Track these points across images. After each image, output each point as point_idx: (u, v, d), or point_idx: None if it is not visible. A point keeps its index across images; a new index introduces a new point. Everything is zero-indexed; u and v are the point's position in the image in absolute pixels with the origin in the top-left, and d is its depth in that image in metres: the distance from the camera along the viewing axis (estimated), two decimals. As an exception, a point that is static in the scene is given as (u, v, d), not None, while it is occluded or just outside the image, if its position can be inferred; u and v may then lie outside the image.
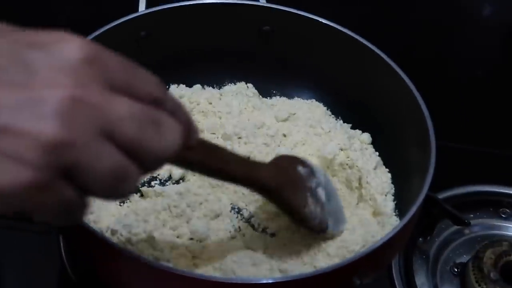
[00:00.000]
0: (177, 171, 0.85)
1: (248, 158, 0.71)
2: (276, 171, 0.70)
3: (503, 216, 0.96)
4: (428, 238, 0.91)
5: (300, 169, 0.73)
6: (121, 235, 0.75)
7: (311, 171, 0.74)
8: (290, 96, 0.96)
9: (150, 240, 0.75)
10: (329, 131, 0.89)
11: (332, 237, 0.77)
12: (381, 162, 0.87)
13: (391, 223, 0.80)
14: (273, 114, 0.92)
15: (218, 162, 0.62)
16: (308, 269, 0.75)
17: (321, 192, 0.74)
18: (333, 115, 0.94)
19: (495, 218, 0.96)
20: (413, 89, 0.82)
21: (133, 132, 0.45)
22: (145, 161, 0.46)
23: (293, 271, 0.74)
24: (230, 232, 0.80)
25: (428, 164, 0.74)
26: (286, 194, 0.71)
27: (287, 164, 0.73)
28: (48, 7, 1.14)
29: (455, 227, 0.92)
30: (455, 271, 0.89)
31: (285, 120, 0.92)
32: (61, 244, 0.83)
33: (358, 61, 0.90)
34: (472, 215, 0.94)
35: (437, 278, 0.88)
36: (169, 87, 0.93)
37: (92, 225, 0.74)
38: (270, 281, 0.64)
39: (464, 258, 0.90)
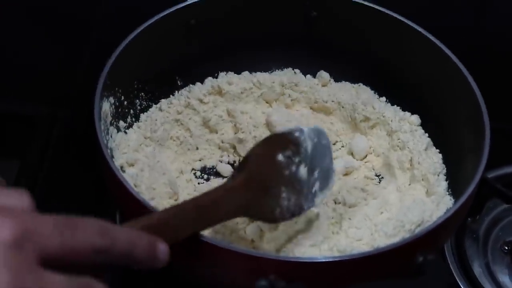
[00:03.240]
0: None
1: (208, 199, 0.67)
2: (247, 188, 0.68)
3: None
4: (477, 217, 0.92)
5: (280, 157, 0.71)
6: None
7: (296, 148, 0.72)
8: (337, 80, 0.97)
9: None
10: (380, 113, 0.90)
11: (320, 202, 0.76)
12: (431, 143, 0.88)
13: (445, 202, 0.81)
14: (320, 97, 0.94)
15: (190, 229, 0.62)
16: (367, 249, 0.77)
17: (302, 171, 0.72)
18: (380, 98, 0.95)
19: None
20: (463, 70, 0.83)
21: None
22: None
23: (351, 251, 0.75)
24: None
25: (482, 145, 0.75)
26: (252, 212, 0.70)
27: (265, 159, 0.71)
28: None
29: (503, 206, 0.93)
30: (505, 249, 0.90)
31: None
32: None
33: (405, 43, 0.91)
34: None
35: (488, 257, 0.89)
36: (218, 74, 0.94)
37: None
38: (337, 259, 0.66)
39: (514, 237, 0.91)
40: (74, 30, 1.11)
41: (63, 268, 0.48)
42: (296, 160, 0.72)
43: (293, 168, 0.72)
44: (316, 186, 0.75)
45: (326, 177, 0.76)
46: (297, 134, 0.73)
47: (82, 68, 1.09)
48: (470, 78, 0.82)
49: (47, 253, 0.47)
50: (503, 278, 0.88)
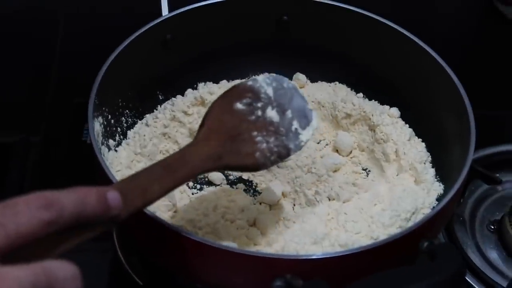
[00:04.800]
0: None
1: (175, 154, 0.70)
2: (211, 138, 0.70)
3: (527, 172, 1.00)
4: (461, 200, 0.95)
5: (238, 106, 0.73)
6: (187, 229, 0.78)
7: (254, 95, 0.74)
8: (313, 81, 0.99)
9: (214, 231, 0.79)
10: (360, 109, 0.93)
11: (307, 140, 0.77)
12: (413, 133, 0.91)
13: (435, 189, 0.84)
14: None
15: (156, 186, 0.62)
16: (366, 241, 0.79)
17: (271, 113, 0.74)
18: (357, 95, 0.97)
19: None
20: (438, 59, 0.86)
21: None
22: None
23: (353, 244, 0.77)
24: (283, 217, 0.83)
25: (468, 132, 0.79)
26: (228, 159, 0.70)
27: (223, 111, 0.73)
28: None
29: (484, 187, 0.96)
30: (491, 228, 0.93)
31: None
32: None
33: (377, 39, 0.94)
34: (497, 174, 0.98)
35: (477, 237, 0.92)
36: (197, 85, 0.96)
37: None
38: (345, 253, 0.68)
39: (498, 215, 0.94)
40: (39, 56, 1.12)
41: (23, 256, 0.48)
42: (259, 105, 0.74)
43: (259, 112, 0.74)
44: (295, 124, 0.76)
45: (303, 116, 0.77)
46: (250, 83, 0.75)
47: (49, 94, 1.09)
48: (447, 67, 0.85)
49: None
50: (493, 255, 0.91)
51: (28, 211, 0.48)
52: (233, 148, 0.71)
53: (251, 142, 0.72)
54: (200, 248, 0.67)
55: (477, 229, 0.93)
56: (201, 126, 0.72)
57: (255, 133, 0.73)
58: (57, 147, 1.03)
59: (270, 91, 0.75)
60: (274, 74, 0.78)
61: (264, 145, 0.72)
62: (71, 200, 0.51)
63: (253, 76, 0.98)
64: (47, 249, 0.51)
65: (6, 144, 1.05)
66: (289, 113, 0.76)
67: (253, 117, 0.73)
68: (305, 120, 0.77)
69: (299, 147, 0.76)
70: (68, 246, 0.53)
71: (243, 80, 0.75)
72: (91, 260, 0.87)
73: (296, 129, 0.76)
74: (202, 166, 0.68)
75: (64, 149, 1.02)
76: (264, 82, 0.76)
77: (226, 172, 0.90)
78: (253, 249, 0.79)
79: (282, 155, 0.74)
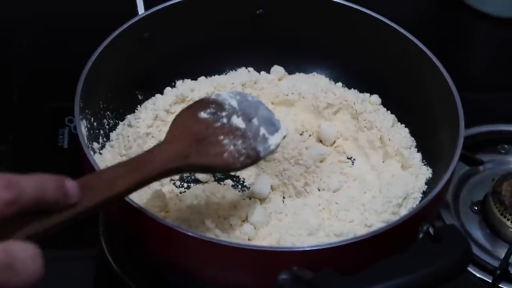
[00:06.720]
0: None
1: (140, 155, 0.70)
2: (176, 141, 0.71)
3: (502, 151, 1.02)
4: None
5: (202, 114, 0.74)
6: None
7: (218, 106, 0.75)
8: (291, 72, 1.00)
9: (209, 228, 0.78)
10: (341, 98, 0.93)
11: (277, 144, 0.77)
12: (396, 119, 0.92)
13: (423, 173, 0.85)
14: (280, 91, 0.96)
15: (114, 187, 0.63)
16: (360, 229, 0.80)
17: (236, 121, 0.75)
18: (337, 84, 0.98)
19: (494, 154, 1.02)
20: (420, 45, 0.87)
21: None
22: None
23: (348, 233, 0.78)
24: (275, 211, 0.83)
25: (456, 114, 0.80)
26: (196, 159, 0.71)
27: (187, 119, 0.74)
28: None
29: (465, 169, 0.98)
30: (475, 209, 0.95)
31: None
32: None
33: (354, 27, 0.94)
34: (478, 155, 1.00)
35: (462, 219, 0.94)
36: (175, 83, 0.95)
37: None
38: (346, 242, 0.68)
39: (480, 196, 0.95)
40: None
41: None
42: (223, 113, 0.75)
43: (224, 120, 0.75)
44: (263, 130, 0.76)
45: (270, 124, 0.78)
46: (213, 97, 0.77)
47: (14, 100, 1.07)
48: (428, 52, 0.86)
49: None
50: (477, 235, 0.93)
51: None
52: (200, 149, 0.71)
53: (218, 144, 0.73)
54: (205, 246, 0.66)
55: (461, 211, 0.95)
56: (168, 131, 0.73)
57: (221, 137, 0.73)
58: (30, 155, 1.01)
59: (234, 103, 0.77)
60: (237, 91, 0.82)
61: (232, 147, 0.73)
62: (31, 183, 0.53)
63: (230, 72, 0.99)
64: (11, 230, 0.53)
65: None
66: (255, 121, 0.77)
67: (218, 124, 0.74)
68: (272, 127, 0.78)
69: (268, 150, 0.76)
70: (33, 230, 0.54)
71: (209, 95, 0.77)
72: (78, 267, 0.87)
73: (263, 134, 0.77)
74: (169, 164, 0.68)
75: (38, 156, 1.00)
76: (227, 95, 0.77)
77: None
78: (246, 243, 0.79)
79: (251, 156, 0.75)
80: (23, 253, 0.51)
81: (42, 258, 0.52)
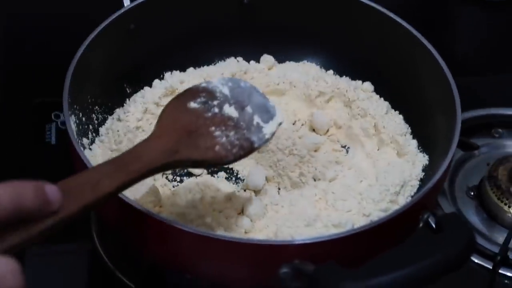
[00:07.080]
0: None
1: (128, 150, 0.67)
2: (165, 135, 0.68)
3: (496, 135, 1.01)
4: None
5: (192, 104, 0.72)
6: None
7: (209, 94, 0.73)
8: (281, 61, 0.98)
9: (205, 222, 0.77)
10: (333, 85, 0.92)
11: (272, 133, 0.74)
12: (390, 106, 0.91)
13: (420, 160, 0.84)
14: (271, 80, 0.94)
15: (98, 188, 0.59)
16: (358, 218, 0.78)
17: (228, 110, 0.73)
18: (328, 72, 0.96)
19: (488, 138, 1.01)
20: (411, 29, 0.86)
21: None
22: None
23: (346, 223, 0.76)
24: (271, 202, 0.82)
25: (452, 100, 0.79)
26: (186, 153, 0.68)
27: (176, 110, 0.71)
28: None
29: (459, 154, 0.97)
30: (471, 194, 0.94)
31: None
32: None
33: (344, 14, 0.93)
34: (472, 140, 0.99)
35: (459, 204, 0.93)
36: (163, 75, 0.93)
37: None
38: (347, 234, 0.67)
39: (476, 181, 0.95)
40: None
41: None
42: (215, 102, 0.72)
43: (215, 109, 0.72)
44: (257, 119, 0.74)
45: (264, 111, 0.75)
46: (204, 84, 0.74)
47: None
48: (422, 38, 0.85)
49: None
50: (474, 220, 0.92)
51: None
52: (190, 143, 0.69)
53: (210, 136, 0.70)
54: (202, 241, 0.65)
55: (457, 196, 0.94)
56: (156, 123, 0.70)
57: (212, 128, 0.70)
58: (16, 152, 0.99)
59: (226, 90, 0.74)
60: (230, 77, 0.78)
61: (224, 138, 0.70)
62: (7, 193, 0.50)
63: (219, 62, 0.97)
64: None
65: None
66: (248, 109, 0.74)
67: (210, 114, 0.71)
68: (267, 115, 0.75)
69: (263, 140, 0.74)
70: (12, 242, 0.51)
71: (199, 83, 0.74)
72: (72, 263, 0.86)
73: (258, 123, 0.74)
74: (158, 160, 0.66)
75: (25, 153, 0.98)
76: (219, 82, 0.74)
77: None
78: (244, 237, 0.78)
79: (245, 147, 0.72)
80: (1, 268, 0.48)
81: (21, 273, 0.49)
